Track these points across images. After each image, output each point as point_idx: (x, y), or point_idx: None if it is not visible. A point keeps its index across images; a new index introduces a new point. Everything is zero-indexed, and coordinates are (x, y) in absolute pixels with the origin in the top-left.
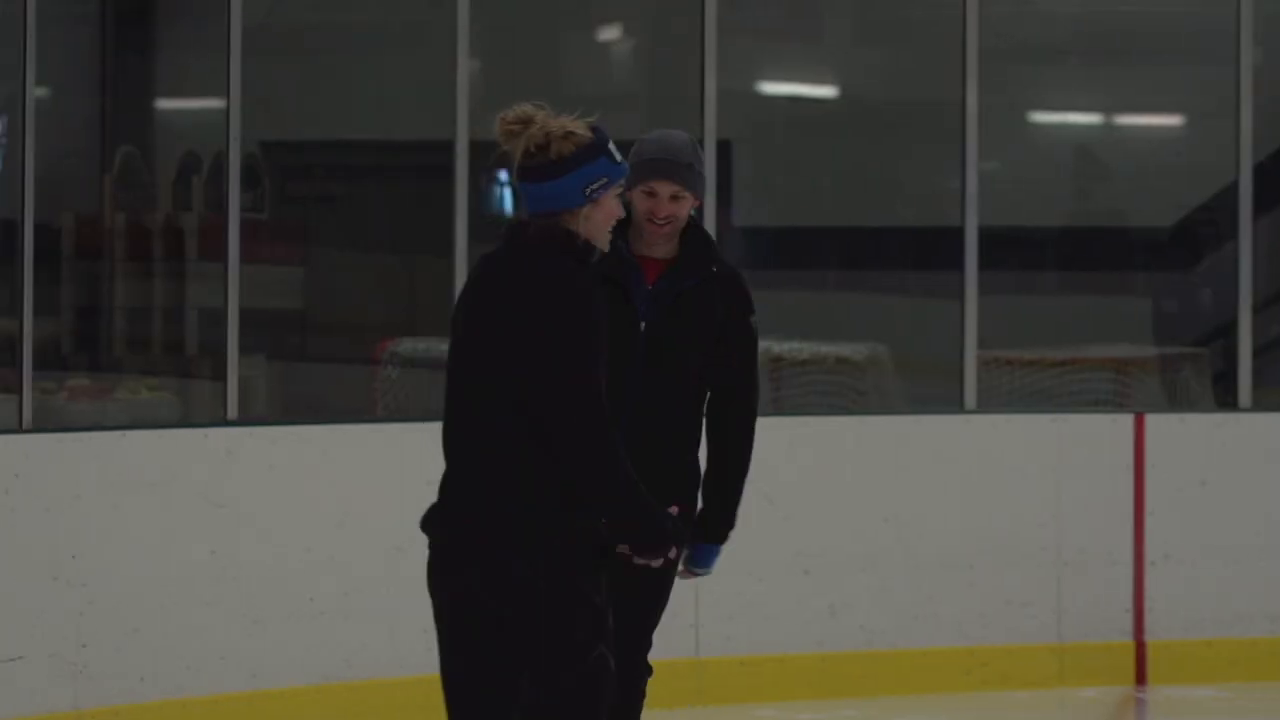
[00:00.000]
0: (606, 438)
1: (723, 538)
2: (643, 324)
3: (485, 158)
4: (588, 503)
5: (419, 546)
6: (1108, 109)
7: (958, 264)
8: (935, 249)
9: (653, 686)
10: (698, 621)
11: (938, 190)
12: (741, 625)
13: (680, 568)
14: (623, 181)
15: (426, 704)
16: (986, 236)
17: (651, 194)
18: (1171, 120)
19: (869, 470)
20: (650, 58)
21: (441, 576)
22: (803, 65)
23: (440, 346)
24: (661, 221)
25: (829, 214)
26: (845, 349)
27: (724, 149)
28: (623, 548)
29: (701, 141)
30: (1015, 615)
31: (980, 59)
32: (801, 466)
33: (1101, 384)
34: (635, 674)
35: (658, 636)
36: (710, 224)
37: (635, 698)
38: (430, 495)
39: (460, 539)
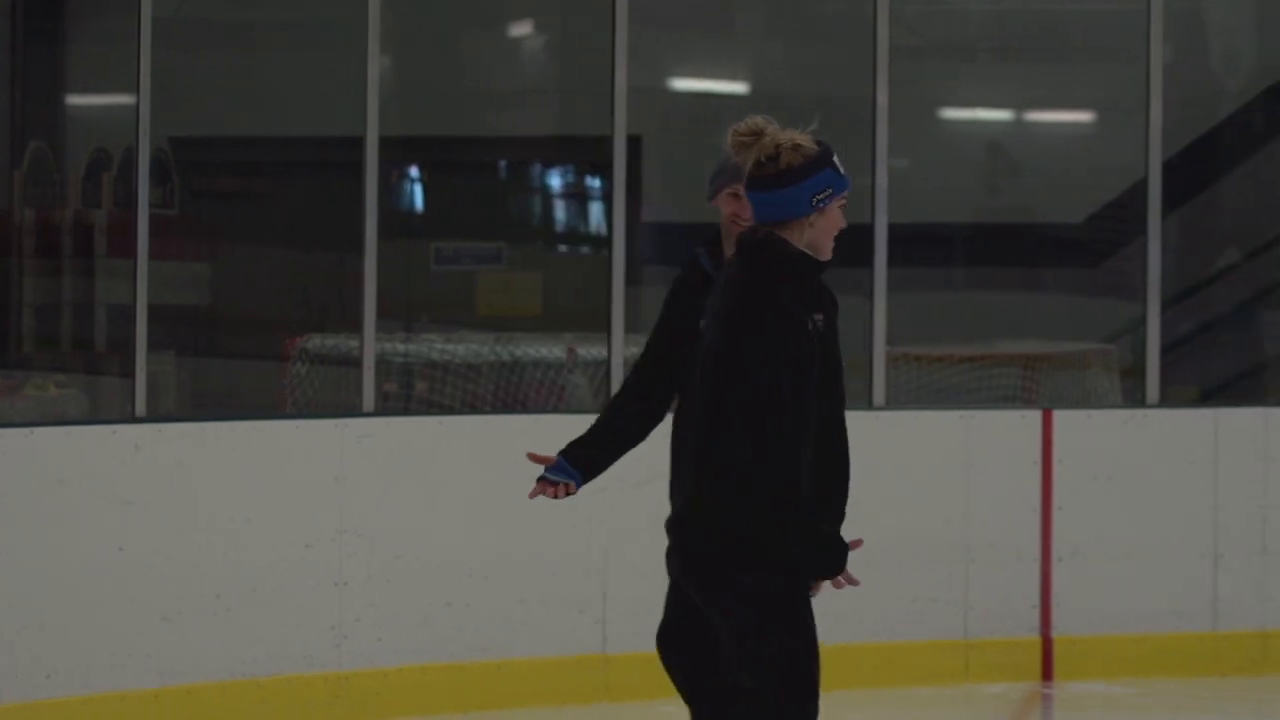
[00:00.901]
0: (758, 452)
1: None
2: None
3: (395, 153)
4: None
5: (326, 542)
6: (1018, 105)
7: (867, 260)
8: (844, 245)
9: (559, 682)
10: (605, 617)
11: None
12: (649, 621)
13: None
14: (847, 192)
15: (334, 700)
16: (896, 233)
17: (737, 195)
18: (1081, 117)
19: None
20: (561, 53)
21: (667, 563)
22: (713, 60)
23: (349, 343)
24: (746, 221)
25: None
26: None
27: (634, 144)
28: None
29: (611, 138)
30: (922, 611)
31: (890, 55)
32: None
33: (1010, 379)
34: None
35: (567, 633)
36: (619, 219)
37: None
38: (338, 491)
39: (669, 531)
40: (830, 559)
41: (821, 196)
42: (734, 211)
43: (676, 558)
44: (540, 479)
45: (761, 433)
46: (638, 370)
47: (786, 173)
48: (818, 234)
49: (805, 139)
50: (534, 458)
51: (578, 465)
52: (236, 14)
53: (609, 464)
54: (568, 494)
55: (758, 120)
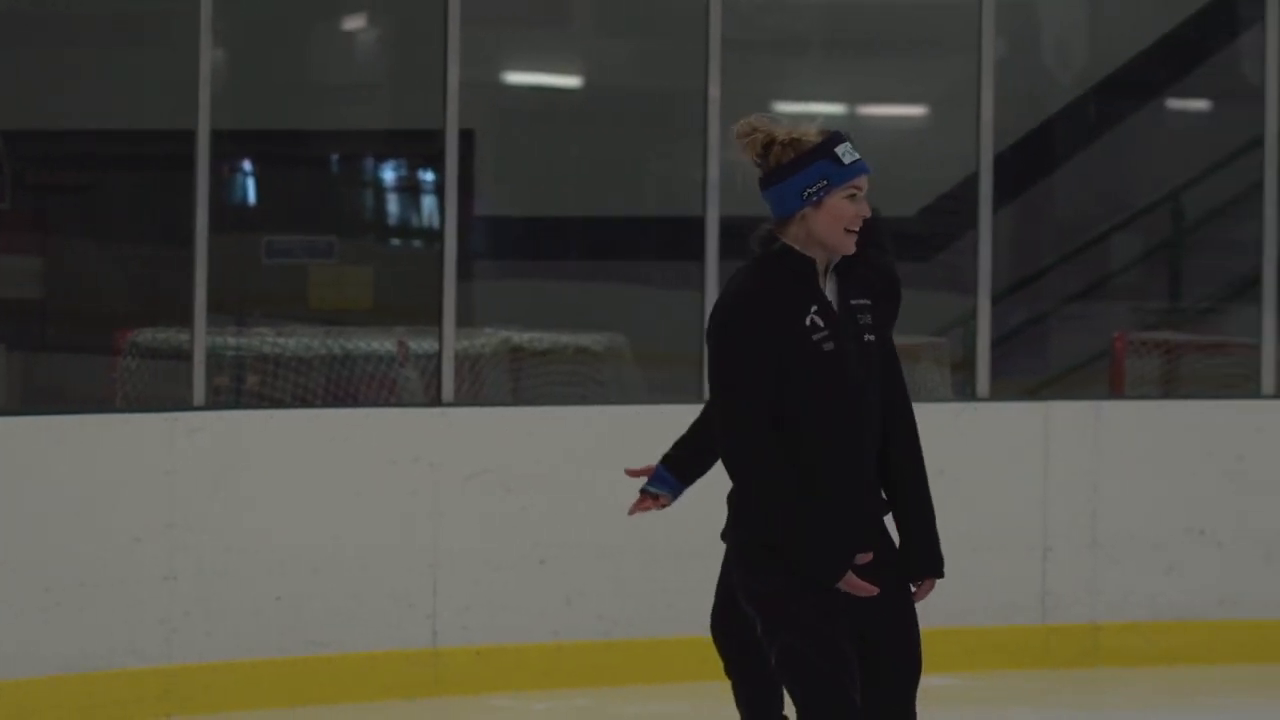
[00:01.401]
0: (741, 453)
1: None
2: None
3: (227, 147)
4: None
5: (155, 536)
6: (850, 99)
7: (699, 254)
8: (677, 239)
9: (390, 677)
10: (435, 611)
11: (680, 180)
12: (478, 615)
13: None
14: (853, 181)
15: (164, 694)
16: (728, 227)
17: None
18: (914, 111)
19: (607, 460)
20: (394, 47)
21: None
22: (547, 54)
23: (180, 336)
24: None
25: (572, 204)
26: (585, 339)
27: (467, 138)
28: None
29: (443, 131)
30: None
31: (723, 48)
32: (539, 456)
33: None
34: None
35: (397, 627)
36: (451, 213)
37: None
38: (169, 485)
39: None
40: (817, 565)
41: (813, 189)
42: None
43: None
44: (641, 491)
45: (732, 434)
46: None
47: (775, 170)
48: (816, 227)
49: (806, 133)
50: (632, 473)
51: (675, 471)
52: (68, 7)
53: (709, 464)
54: (663, 506)
55: (751, 120)
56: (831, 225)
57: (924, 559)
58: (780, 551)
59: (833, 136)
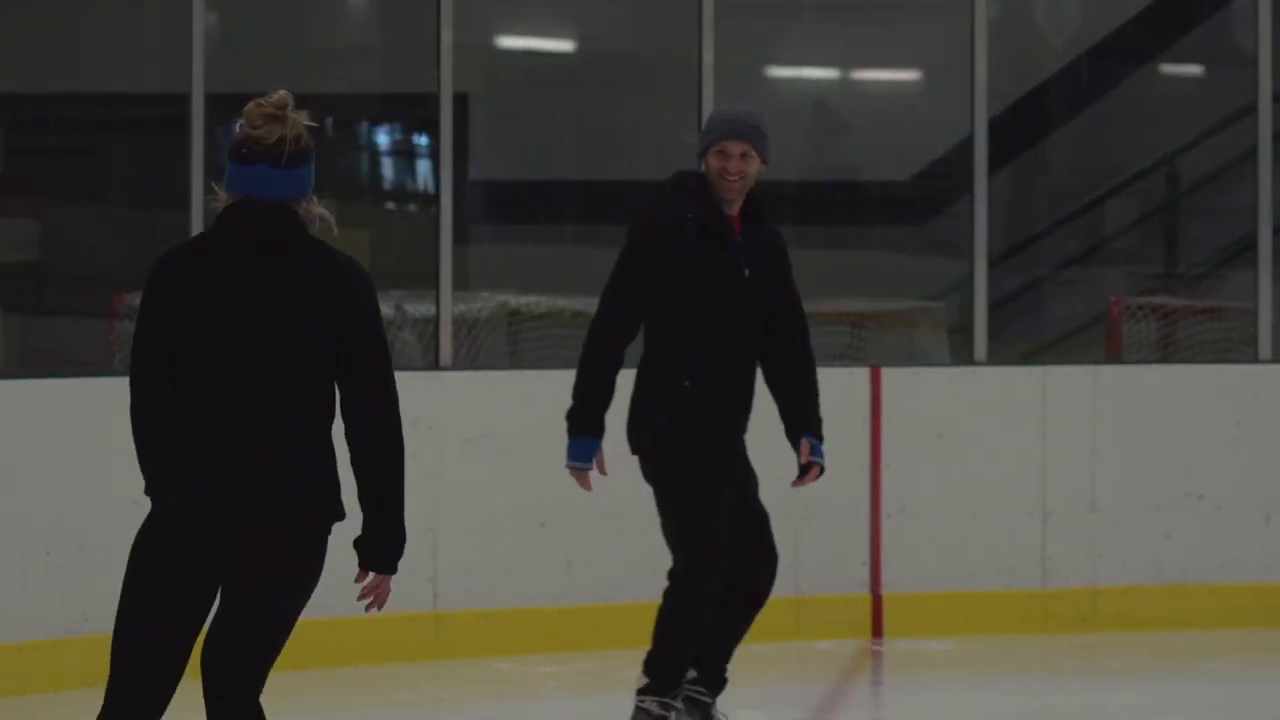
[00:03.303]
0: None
1: (820, 431)
2: (747, 271)
3: (222, 111)
4: None
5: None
6: (844, 63)
7: None
8: None
9: (391, 638)
10: (436, 575)
11: (675, 143)
12: (480, 579)
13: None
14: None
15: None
16: None
17: (723, 153)
18: (908, 75)
19: (611, 422)
20: (388, 10)
21: None
22: (540, 18)
23: None
24: (733, 177)
25: (566, 167)
26: (582, 303)
27: (461, 102)
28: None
29: (437, 96)
30: None
31: (717, 12)
32: (539, 420)
33: (838, 337)
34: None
35: (396, 591)
36: (446, 177)
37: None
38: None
39: None
40: None
41: None
42: (721, 166)
43: None
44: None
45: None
46: None
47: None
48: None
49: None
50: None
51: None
52: None
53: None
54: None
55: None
56: None
57: (364, 549)
58: None
59: None
